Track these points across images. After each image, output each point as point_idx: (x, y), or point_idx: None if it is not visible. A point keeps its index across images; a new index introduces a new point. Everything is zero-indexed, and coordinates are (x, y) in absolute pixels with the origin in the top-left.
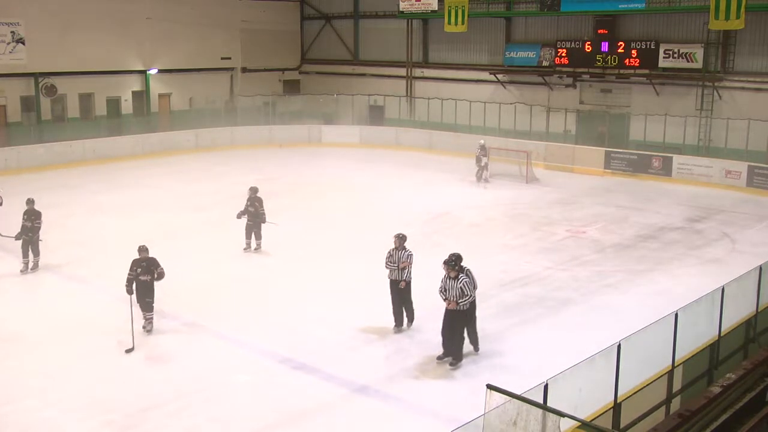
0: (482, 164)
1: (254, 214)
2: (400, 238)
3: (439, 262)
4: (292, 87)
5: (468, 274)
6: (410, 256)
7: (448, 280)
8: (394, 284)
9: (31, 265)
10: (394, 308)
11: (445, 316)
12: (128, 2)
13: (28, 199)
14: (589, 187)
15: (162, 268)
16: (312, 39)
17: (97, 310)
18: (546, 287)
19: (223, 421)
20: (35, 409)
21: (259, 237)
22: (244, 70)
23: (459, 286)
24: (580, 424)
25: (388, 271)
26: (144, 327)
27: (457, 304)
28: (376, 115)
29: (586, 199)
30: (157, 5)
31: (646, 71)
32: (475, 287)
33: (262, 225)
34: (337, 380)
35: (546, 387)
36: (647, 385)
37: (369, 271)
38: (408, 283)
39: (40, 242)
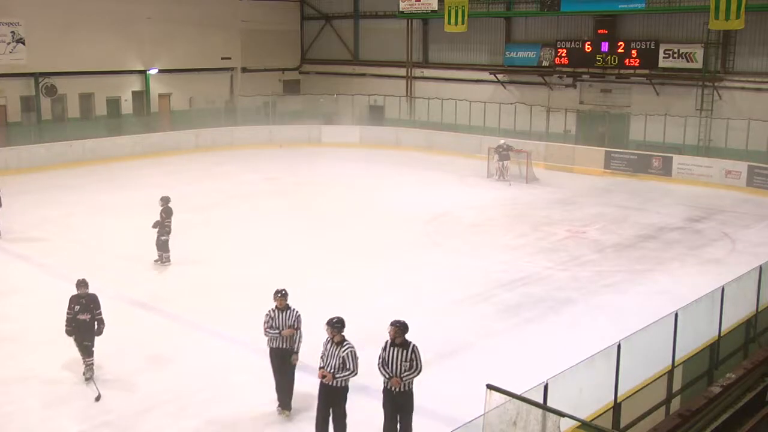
0: (505, 163)
1: (160, 224)
2: (283, 296)
3: (440, 263)
4: (292, 87)
5: (415, 350)
6: (299, 318)
7: (329, 345)
8: (276, 355)
9: None
10: (277, 384)
11: (320, 392)
12: (128, 2)
13: None
14: (589, 187)
15: (101, 313)
16: (312, 39)
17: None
18: (546, 287)
19: (222, 422)
20: (35, 410)
21: (165, 249)
22: (244, 70)
23: (342, 354)
24: (580, 424)
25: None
26: (84, 374)
27: (334, 377)
28: (376, 115)
29: (586, 199)
30: (157, 5)
31: (646, 71)
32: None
33: (169, 237)
34: None
35: (546, 387)
36: (647, 385)
37: (369, 271)
38: (297, 354)
39: None
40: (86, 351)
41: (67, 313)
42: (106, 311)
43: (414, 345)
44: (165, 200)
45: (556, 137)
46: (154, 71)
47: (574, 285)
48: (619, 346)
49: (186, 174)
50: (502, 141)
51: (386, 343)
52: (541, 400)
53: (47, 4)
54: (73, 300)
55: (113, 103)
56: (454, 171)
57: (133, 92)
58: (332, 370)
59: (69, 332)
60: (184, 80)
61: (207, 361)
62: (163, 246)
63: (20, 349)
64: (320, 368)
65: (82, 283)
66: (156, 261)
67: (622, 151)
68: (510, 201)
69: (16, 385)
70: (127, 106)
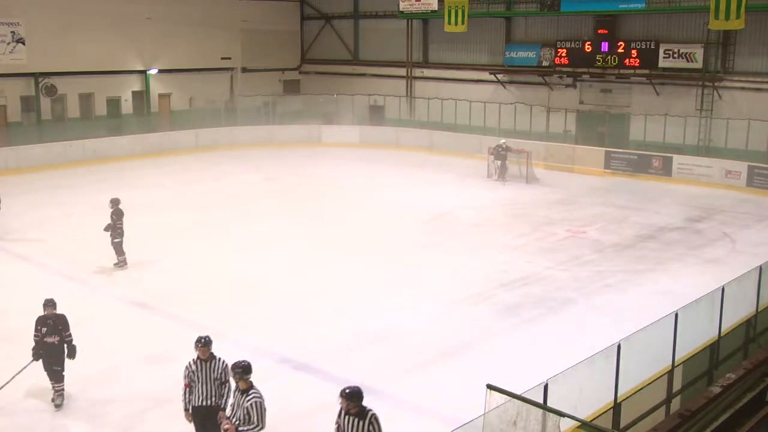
0: (505, 163)
1: (111, 227)
2: (206, 344)
3: (440, 263)
4: (292, 87)
5: (373, 421)
6: (226, 369)
7: (236, 393)
8: (198, 414)
9: None
10: None
11: None
12: (128, 2)
13: None
14: (589, 187)
15: (71, 335)
16: (312, 39)
17: (96, 310)
18: (546, 287)
19: None
20: (36, 410)
21: (120, 253)
22: (244, 70)
23: (246, 405)
24: (580, 424)
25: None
26: (53, 400)
27: (237, 430)
28: (376, 115)
29: (586, 199)
30: (157, 5)
31: (646, 71)
32: None
33: (123, 239)
34: (338, 380)
35: (546, 387)
36: (647, 385)
37: (369, 271)
38: (225, 411)
39: None
40: (56, 376)
41: (34, 336)
42: (106, 311)
43: (373, 415)
44: (115, 202)
45: (556, 137)
46: (154, 71)
47: (574, 285)
48: (619, 346)
49: (186, 174)
50: (502, 141)
51: (341, 410)
52: (541, 400)
53: (47, 4)
54: (40, 321)
55: (113, 103)
56: (454, 171)
57: (133, 92)
58: (237, 422)
59: (36, 357)
60: (184, 80)
61: None
62: (118, 248)
63: (19, 349)
64: (227, 418)
65: (49, 303)
66: (115, 264)
67: (622, 151)
68: (510, 201)
69: (15, 385)
70: (127, 106)
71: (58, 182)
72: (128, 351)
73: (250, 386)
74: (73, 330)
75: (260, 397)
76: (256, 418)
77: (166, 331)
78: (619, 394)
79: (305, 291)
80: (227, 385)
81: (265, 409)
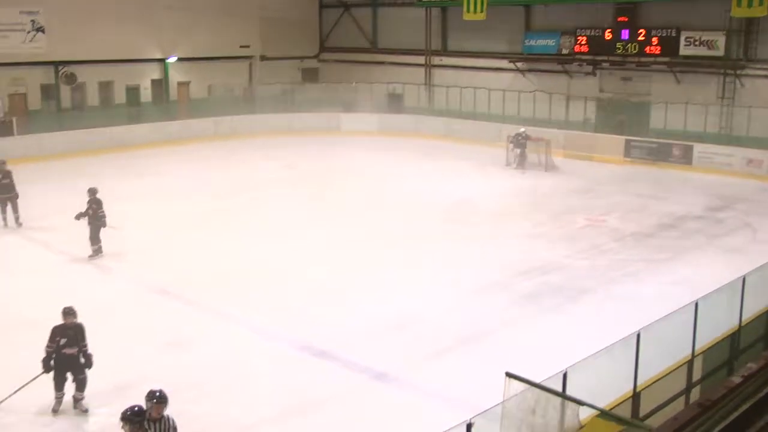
0: (524, 151)
1: (93, 217)
2: (159, 401)
3: (459, 251)
4: (311, 75)
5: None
6: (175, 429)
7: (148, 422)
8: None
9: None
10: None
11: None
12: None
13: None
14: (609, 175)
15: (87, 345)
16: (331, 27)
17: (116, 296)
18: (565, 276)
19: (242, 408)
20: (52, 396)
21: (96, 242)
22: (263, 58)
23: None
24: (599, 412)
25: None
26: (78, 407)
27: None
28: (395, 103)
29: (606, 188)
30: None
31: (667, 59)
32: None
33: (102, 229)
34: (356, 367)
35: (565, 375)
36: (667, 374)
37: (387, 259)
38: None
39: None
40: (81, 385)
41: (48, 347)
42: (127, 297)
43: (170, 422)
44: (93, 191)
45: (576, 125)
46: (173, 59)
47: (593, 274)
48: (638, 335)
49: (205, 162)
50: (522, 129)
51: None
52: (560, 389)
53: None
54: (59, 331)
55: (132, 92)
56: (473, 159)
57: (153, 80)
58: None
59: (48, 369)
60: (203, 68)
61: (226, 347)
62: (96, 237)
63: (35, 336)
64: None
65: (70, 312)
66: (90, 257)
67: (642, 139)
68: (529, 189)
69: (31, 373)
70: (146, 94)
71: (78, 170)
72: (148, 337)
73: (162, 415)
74: (91, 316)
75: (173, 421)
76: None
77: (185, 317)
78: (638, 384)
79: (324, 278)
80: None
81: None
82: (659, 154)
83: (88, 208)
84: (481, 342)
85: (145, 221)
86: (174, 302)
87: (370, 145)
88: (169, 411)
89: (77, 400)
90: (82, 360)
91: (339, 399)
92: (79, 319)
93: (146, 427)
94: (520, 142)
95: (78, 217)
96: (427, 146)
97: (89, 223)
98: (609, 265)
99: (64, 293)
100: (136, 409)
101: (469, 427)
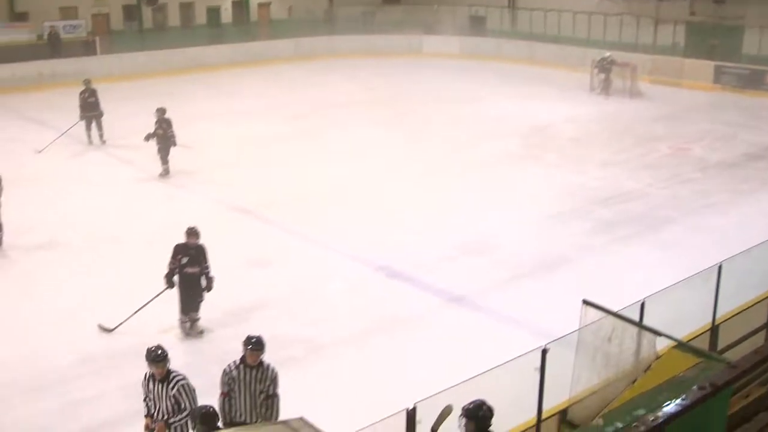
0: (609, 77)
1: (162, 137)
2: (258, 347)
3: (538, 177)
4: None
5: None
6: (275, 379)
7: (150, 383)
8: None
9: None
10: None
11: None
12: None
13: None
14: (696, 102)
15: (209, 267)
16: None
17: (194, 215)
18: (645, 205)
19: (319, 326)
20: (131, 311)
21: (165, 162)
22: None
23: (172, 393)
24: (676, 344)
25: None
26: (192, 329)
27: (168, 425)
28: (477, 26)
29: (692, 115)
30: None
31: None
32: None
33: (171, 149)
34: (433, 290)
35: (643, 305)
36: (747, 308)
37: (466, 183)
38: None
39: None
40: (196, 306)
41: (170, 263)
42: (206, 215)
43: (180, 377)
44: (162, 111)
45: (664, 50)
46: None
47: (675, 203)
48: (720, 267)
49: (284, 83)
50: (607, 54)
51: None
52: (637, 319)
53: None
54: (181, 250)
55: (213, 12)
56: (555, 84)
57: (233, 2)
58: (164, 416)
59: (171, 284)
60: None
61: (304, 268)
62: (165, 157)
63: (117, 251)
64: (146, 416)
65: (192, 232)
66: (160, 174)
67: (733, 65)
68: (612, 115)
69: (110, 288)
70: (226, 15)
71: (160, 89)
72: (228, 255)
73: (169, 371)
74: (174, 234)
75: (184, 378)
76: (186, 403)
77: (265, 237)
78: (717, 316)
79: (401, 201)
80: (275, 399)
81: (193, 389)
82: (751, 81)
83: (157, 128)
84: (559, 269)
85: (223, 141)
86: (253, 221)
87: (451, 68)
88: (250, 330)
89: (193, 321)
90: (204, 282)
91: (415, 320)
92: (161, 237)
93: (238, 372)
94: (605, 66)
95: (147, 137)
96: (508, 70)
97: (158, 143)
98: (691, 196)
99: (143, 211)
100: (158, 349)
101: (544, 352)
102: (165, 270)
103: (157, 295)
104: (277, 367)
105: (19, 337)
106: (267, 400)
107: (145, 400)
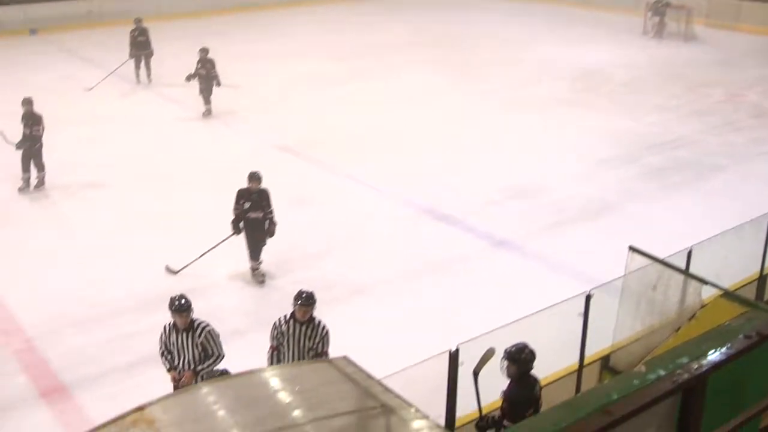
0: (663, 19)
1: (205, 77)
2: (308, 302)
3: (587, 121)
4: None
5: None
6: (325, 336)
7: (173, 335)
8: None
9: (33, 181)
10: None
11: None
12: None
13: (25, 99)
14: (754, 47)
15: (272, 212)
16: None
17: (239, 153)
18: (696, 152)
19: (364, 267)
20: (183, 249)
21: (208, 102)
22: None
23: (199, 341)
24: (722, 293)
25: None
26: (256, 276)
27: (196, 374)
28: None
29: (749, 61)
30: None
31: None
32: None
33: (214, 89)
34: (478, 233)
35: (690, 253)
36: None
37: (514, 126)
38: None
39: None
40: (259, 253)
41: (235, 209)
42: (250, 153)
43: (205, 324)
44: (204, 51)
45: None
46: None
47: (727, 151)
48: None
49: (331, 24)
50: None
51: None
52: (683, 267)
53: None
54: (243, 195)
55: None
56: (609, 27)
57: None
58: (192, 366)
59: (238, 230)
60: None
61: (349, 208)
62: (208, 98)
63: (169, 187)
64: (170, 370)
65: (254, 177)
66: (204, 114)
67: None
68: (665, 60)
69: (163, 224)
70: None
71: (209, 29)
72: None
73: (192, 321)
74: (221, 170)
75: (208, 324)
76: (213, 349)
77: (309, 176)
78: (765, 266)
79: (448, 143)
80: (326, 358)
81: (218, 334)
82: None
83: (199, 68)
84: (605, 214)
85: (271, 80)
86: (298, 160)
87: (503, 10)
88: (294, 272)
89: (254, 269)
90: (266, 226)
91: (458, 263)
92: (206, 175)
93: (288, 327)
94: (659, 9)
95: (189, 78)
96: (561, 13)
97: (200, 83)
98: (744, 143)
99: (192, 150)
100: (182, 299)
101: (588, 298)
102: (231, 215)
103: (223, 240)
104: (321, 307)
105: (74, 270)
106: (316, 358)
107: (162, 354)
